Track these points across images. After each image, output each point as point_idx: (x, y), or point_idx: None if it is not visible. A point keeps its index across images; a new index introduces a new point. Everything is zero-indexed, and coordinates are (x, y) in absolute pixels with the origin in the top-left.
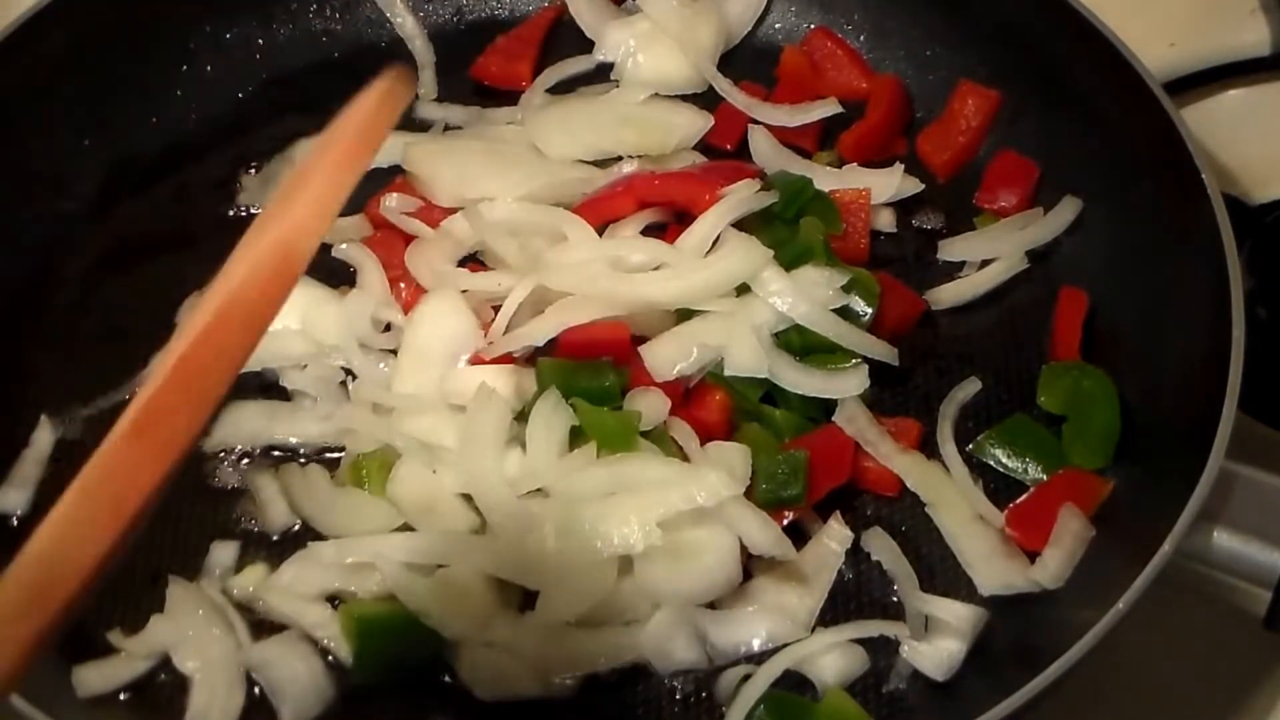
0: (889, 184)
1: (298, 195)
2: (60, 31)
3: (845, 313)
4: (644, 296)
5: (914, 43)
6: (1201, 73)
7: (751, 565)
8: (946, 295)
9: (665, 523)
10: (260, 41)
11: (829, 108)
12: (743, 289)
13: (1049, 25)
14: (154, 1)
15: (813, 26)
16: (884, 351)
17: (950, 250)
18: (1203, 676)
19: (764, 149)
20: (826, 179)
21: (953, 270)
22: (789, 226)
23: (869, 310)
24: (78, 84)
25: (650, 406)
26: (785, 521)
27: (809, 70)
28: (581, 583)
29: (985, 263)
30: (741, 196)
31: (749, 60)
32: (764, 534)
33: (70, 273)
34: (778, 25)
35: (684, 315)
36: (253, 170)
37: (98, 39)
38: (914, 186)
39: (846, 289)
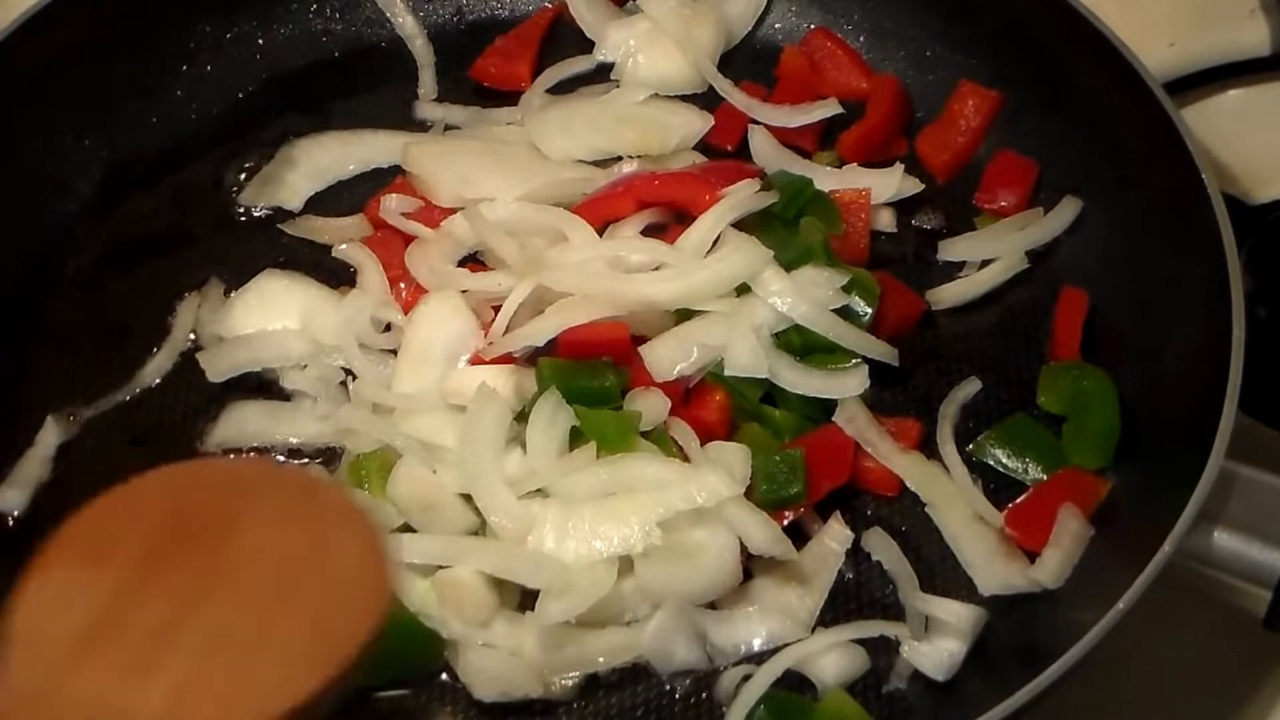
0: (889, 184)
1: None
2: (60, 31)
3: (845, 313)
4: (644, 296)
5: (914, 43)
6: (1201, 73)
7: (751, 565)
8: (946, 295)
9: (665, 523)
10: (260, 41)
11: (829, 108)
12: (743, 289)
13: (1049, 25)
14: (154, 1)
15: (813, 26)
16: (884, 351)
17: (950, 250)
18: (1203, 676)
19: (764, 149)
20: (826, 179)
21: (953, 270)
22: (789, 226)
23: (869, 310)
24: (78, 84)
25: (650, 406)
26: (785, 521)
27: (809, 70)
28: (581, 583)
29: (985, 263)
30: (741, 196)
31: (749, 60)
32: (764, 534)
33: (70, 273)
34: (778, 25)
35: (684, 315)
36: (252, 170)
37: (98, 39)
38: (914, 186)
39: (846, 289)
